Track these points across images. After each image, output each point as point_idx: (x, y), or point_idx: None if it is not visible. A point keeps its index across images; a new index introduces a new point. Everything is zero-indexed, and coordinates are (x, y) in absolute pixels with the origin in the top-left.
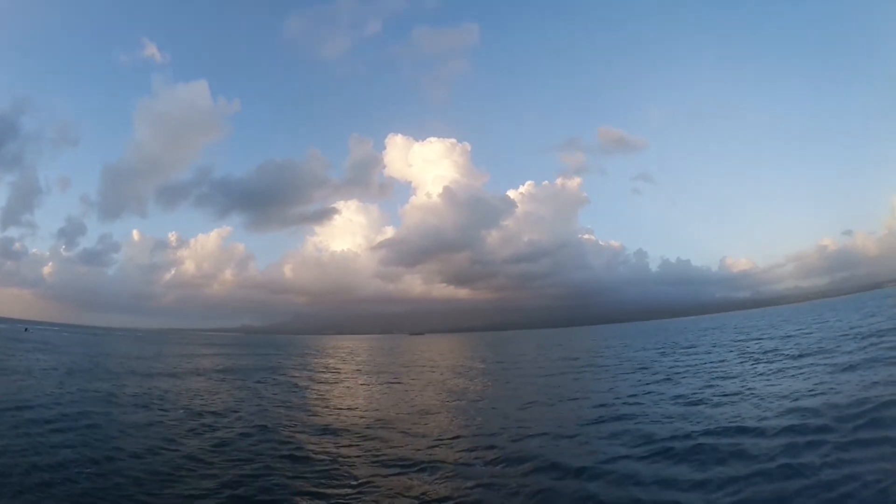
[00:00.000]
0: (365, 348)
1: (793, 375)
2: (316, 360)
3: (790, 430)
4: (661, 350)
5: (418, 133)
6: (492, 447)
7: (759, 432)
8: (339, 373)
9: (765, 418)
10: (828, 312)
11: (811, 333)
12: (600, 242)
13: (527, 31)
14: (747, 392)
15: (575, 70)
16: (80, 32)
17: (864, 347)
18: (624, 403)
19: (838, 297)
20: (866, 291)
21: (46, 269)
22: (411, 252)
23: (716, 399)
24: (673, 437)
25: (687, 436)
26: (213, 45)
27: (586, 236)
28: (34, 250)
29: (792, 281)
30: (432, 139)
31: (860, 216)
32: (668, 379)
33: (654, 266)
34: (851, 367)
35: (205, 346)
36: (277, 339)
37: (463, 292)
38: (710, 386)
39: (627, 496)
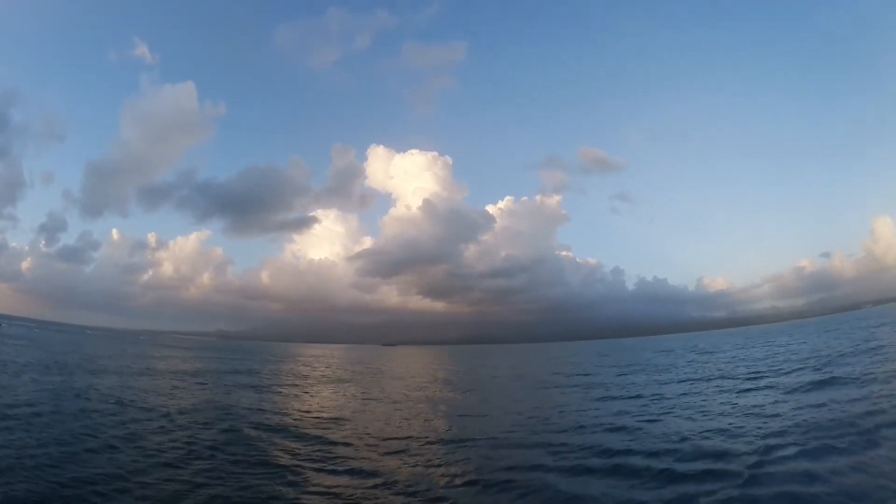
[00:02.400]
0: (334, 357)
1: (728, 401)
2: (284, 366)
3: (664, 472)
4: (619, 368)
5: (400, 145)
6: (406, 451)
7: (652, 456)
8: (304, 378)
9: (671, 443)
10: (799, 333)
11: (773, 356)
12: (577, 259)
13: (513, 52)
14: (672, 415)
15: (558, 91)
16: (73, 28)
17: (818, 370)
18: (542, 420)
19: (815, 318)
20: (844, 312)
21: (25, 264)
22: (389, 263)
23: (636, 420)
24: (562, 455)
25: (578, 455)
26: (204, 49)
27: (564, 253)
28: (14, 244)
29: (769, 301)
30: (414, 151)
31: (839, 238)
32: (605, 398)
33: (630, 284)
34: (791, 393)
35: (176, 349)
36: (251, 344)
37: (439, 305)
38: (643, 407)
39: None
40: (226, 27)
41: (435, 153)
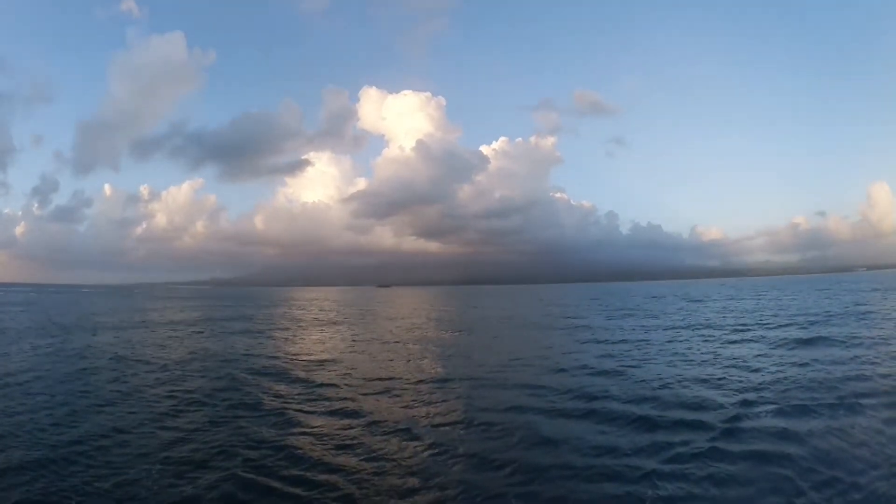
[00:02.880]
0: (328, 300)
1: (712, 351)
2: (277, 311)
3: (639, 420)
4: (608, 312)
5: (393, 86)
6: (390, 391)
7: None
8: (296, 322)
9: (650, 389)
10: (790, 289)
11: (762, 310)
12: (572, 202)
13: None
14: (655, 362)
15: (553, 33)
16: None
17: (805, 328)
18: (525, 362)
19: (808, 276)
20: (837, 273)
21: (19, 229)
22: (383, 204)
23: (619, 364)
24: (541, 397)
25: (556, 397)
26: None
27: (558, 195)
28: (6, 210)
29: (763, 254)
30: (407, 92)
31: (835, 199)
32: (590, 341)
33: (624, 229)
34: (776, 348)
35: (171, 301)
36: (246, 291)
37: (433, 246)
38: (627, 352)
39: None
40: None
41: (428, 94)
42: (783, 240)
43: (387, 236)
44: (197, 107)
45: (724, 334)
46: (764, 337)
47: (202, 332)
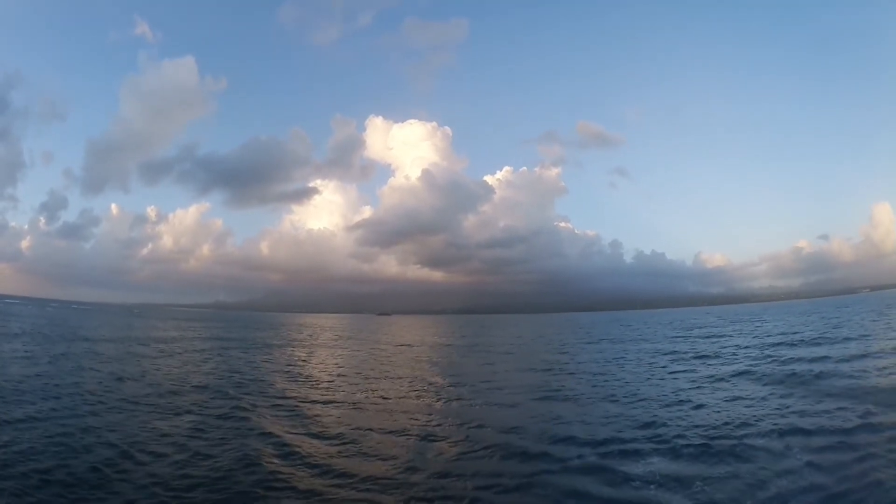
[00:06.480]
0: (324, 327)
1: (654, 379)
2: (272, 334)
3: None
4: (589, 342)
5: (400, 116)
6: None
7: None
8: (286, 346)
9: (552, 419)
10: (786, 314)
11: (737, 336)
12: (576, 231)
13: (514, 28)
14: (581, 389)
15: (558, 66)
16: (75, 9)
17: (764, 358)
18: (466, 387)
19: (811, 300)
20: (841, 296)
21: (25, 243)
22: (387, 233)
23: (547, 394)
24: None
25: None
26: (206, 25)
27: (562, 224)
28: (13, 224)
29: (766, 280)
30: (413, 121)
31: (838, 221)
32: (548, 370)
33: (628, 257)
34: (717, 380)
35: (170, 321)
36: (248, 315)
37: (437, 275)
38: (562, 381)
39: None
40: (229, 4)
41: (434, 123)
42: (786, 264)
43: (391, 265)
44: (207, 132)
45: (683, 364)
46: (724, 363)
47: (197, 353)
